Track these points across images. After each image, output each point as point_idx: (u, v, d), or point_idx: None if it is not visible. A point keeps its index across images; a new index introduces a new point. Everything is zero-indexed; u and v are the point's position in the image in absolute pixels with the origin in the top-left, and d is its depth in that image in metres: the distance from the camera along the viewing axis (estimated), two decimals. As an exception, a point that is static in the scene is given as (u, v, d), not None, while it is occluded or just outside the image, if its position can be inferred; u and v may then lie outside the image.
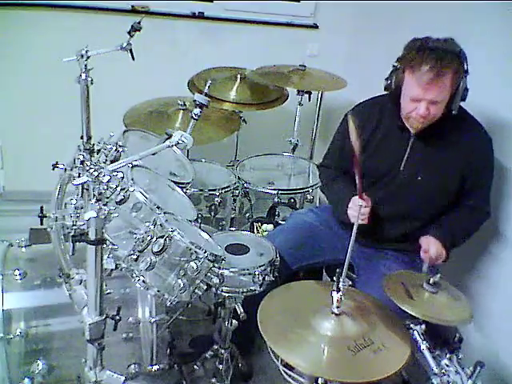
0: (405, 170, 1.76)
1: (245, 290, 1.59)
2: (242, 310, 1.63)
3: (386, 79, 1.71)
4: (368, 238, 1.84)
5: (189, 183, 1.78)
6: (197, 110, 1.78)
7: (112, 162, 1.53)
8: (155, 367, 1.63)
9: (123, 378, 1.27)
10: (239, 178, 2.30)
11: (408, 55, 1.60)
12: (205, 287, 1.40)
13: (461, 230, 1.76)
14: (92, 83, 1.83)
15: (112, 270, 1.29)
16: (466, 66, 1.60)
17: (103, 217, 1.10)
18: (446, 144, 1.72)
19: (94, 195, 1.10)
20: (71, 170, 1.65)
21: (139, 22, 1.88)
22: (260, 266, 1.59)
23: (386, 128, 1.79)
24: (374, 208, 1.77)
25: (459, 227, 1.75)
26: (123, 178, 1.29)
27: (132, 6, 2.74)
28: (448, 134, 1.71)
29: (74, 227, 1.56)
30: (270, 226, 2.20)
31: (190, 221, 1.53)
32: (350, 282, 1.90)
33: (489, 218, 1.82)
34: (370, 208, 1.70)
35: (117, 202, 1.27)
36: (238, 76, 2.60)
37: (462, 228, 1.77)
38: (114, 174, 1.21)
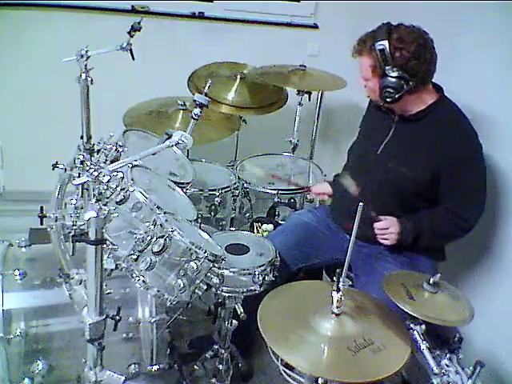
0: (381, 155, 1.79)
1: (245, 290, 1.59)
2: (242, 310, 1.63)
3: None
4: (367, 232, 1.82)
5: (189, 183, 1.78)
6: (197, 110, 1.78)
7: (112, 162, 1.53)
8: (155, 367, 1.63)
9: (123, 378, 1.27)
10: (239, 178, 2.30)
11: None
12: (205, 287, 1.40)
13: (431, 227, 1.74)
14: (92, 83, 1.83)
15: (112, 270, 1.28)
16: (385, 66, 1.61)
17: (103, 217, 1.10)
18: (424, 135, 1.72)
19: (94, 195, 1.10)
20: (71, 170, 1.65)
21: (139, 22, 1.88)
22: (260, 266, 1.59)
23: (375, 112, 1.87)
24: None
25: (430, 223, 1.73)
26: (123, 178, 1.29)
27: (132, 6, 2.74)
28: (429, 128, 1.72)
29: (74, 227, 1.56)
30: (270, 226, 2.19)
31: (190, 221, 1.53)
32: (350, 282, 1.90)
33: (470, 228, 1.74)
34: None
35: (117, 202, 1.27)
36: (238, 76, 2.59)
37: (433, 225, 1.74)
38: (114, 174, 1.21)
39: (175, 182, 1.68)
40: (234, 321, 1.73)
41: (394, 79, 1.62)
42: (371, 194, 1.76)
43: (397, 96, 1.64)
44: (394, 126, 1.78)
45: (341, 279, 1.23)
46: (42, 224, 1.65)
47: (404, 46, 1.59)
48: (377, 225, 1.73)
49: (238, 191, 2.31)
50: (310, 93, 2.64)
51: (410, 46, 1.59)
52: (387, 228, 1.73)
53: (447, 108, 1.73)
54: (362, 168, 1.85)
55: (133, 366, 1.60)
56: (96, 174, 1.10)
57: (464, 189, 1.72)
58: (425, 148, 1.71)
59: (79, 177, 1.55)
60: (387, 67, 1.61)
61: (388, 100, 1.66)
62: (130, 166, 1.38)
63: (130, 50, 1.91)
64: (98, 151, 1.61)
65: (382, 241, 1.76)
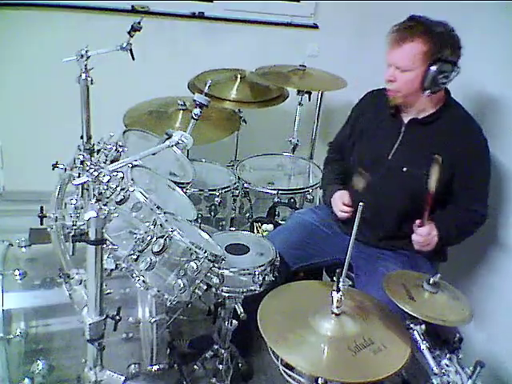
0: (392, 159, 1.78)
1: (245, 290, 1.59)
2: (242, 310, 1.63)
3: None
4: (366, 234, 1.83)
5: (189, 183, 1.78)
6: (197, 110, 1.78)
7: (112, 162, 1.53)
8: (155, 367, 1.63)
9: (123, 378, 1.28)
10: (239, 178, 2.30)
11: None
12: (205, 287, 1.40)
13: (453, 229, 1.75)
14: (92, 83, 1.83)
15: (112, 270, 1.29)
16: (442, 50, 1.59)
17: (103, 217, 1.10)
18: (437, 139, 1.72)
19: (94, 195, 1.10)
20: (71, 169, 1.65)
21: (139, 22, 1.88)
22: (260, 266, 1.59)
23: (382, 117, 1.83)
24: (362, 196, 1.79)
25: (451, 226, 1.74)
26: (123, 178, 1.29)
27: (132, 6, 2.74)
28: (441, 129, 1.72)
29: (74, 227, 1.56)
30: (270, 226, 2.19)
31: (190, 221, 1.53)
32: (350, 282, 1.90)
33: (485, 221, 1.78)
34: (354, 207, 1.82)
35: (117, 202, 1.27)
36: (238, 76, 2.60)
37: (454, 227, 1.75)
38: (114, 174, 1.21)
39: (175, 182, 1.68)
40: (233, 321, 1.73)
41: (449, 64, 1.60)
42: (386, 198, 1.77)
43: (449, 79, 1.61)
44: (403, 130, 1.77)
45: (341, 279, 1.23)
46: (42, 224, 1.65)
47: (450, 32, 1.60)
48: (420, 232, 1.67)
49: (238, 191, 2.31)
50: (310, 93, 2.64)
51: (451, 32, 1.61)
52: (430, 233, 1.68)
53: (455, 109, 1.75)
54: (375, 175, 1.80)
55: (133, 366, 1.60)
56: (96, 173, 1.10)
57: (476, 184, 1.75)
58: (438, 149, 1.68)
59: (79, 177, 1.56)
60: (446, 51, 1.58)
61: (442, 86, 1.62)
62: (130, 166, 1.38)
63: (130, 50, 1.91)
64: (98, 151, 1.61)
65: (422, 248, 1.71)
